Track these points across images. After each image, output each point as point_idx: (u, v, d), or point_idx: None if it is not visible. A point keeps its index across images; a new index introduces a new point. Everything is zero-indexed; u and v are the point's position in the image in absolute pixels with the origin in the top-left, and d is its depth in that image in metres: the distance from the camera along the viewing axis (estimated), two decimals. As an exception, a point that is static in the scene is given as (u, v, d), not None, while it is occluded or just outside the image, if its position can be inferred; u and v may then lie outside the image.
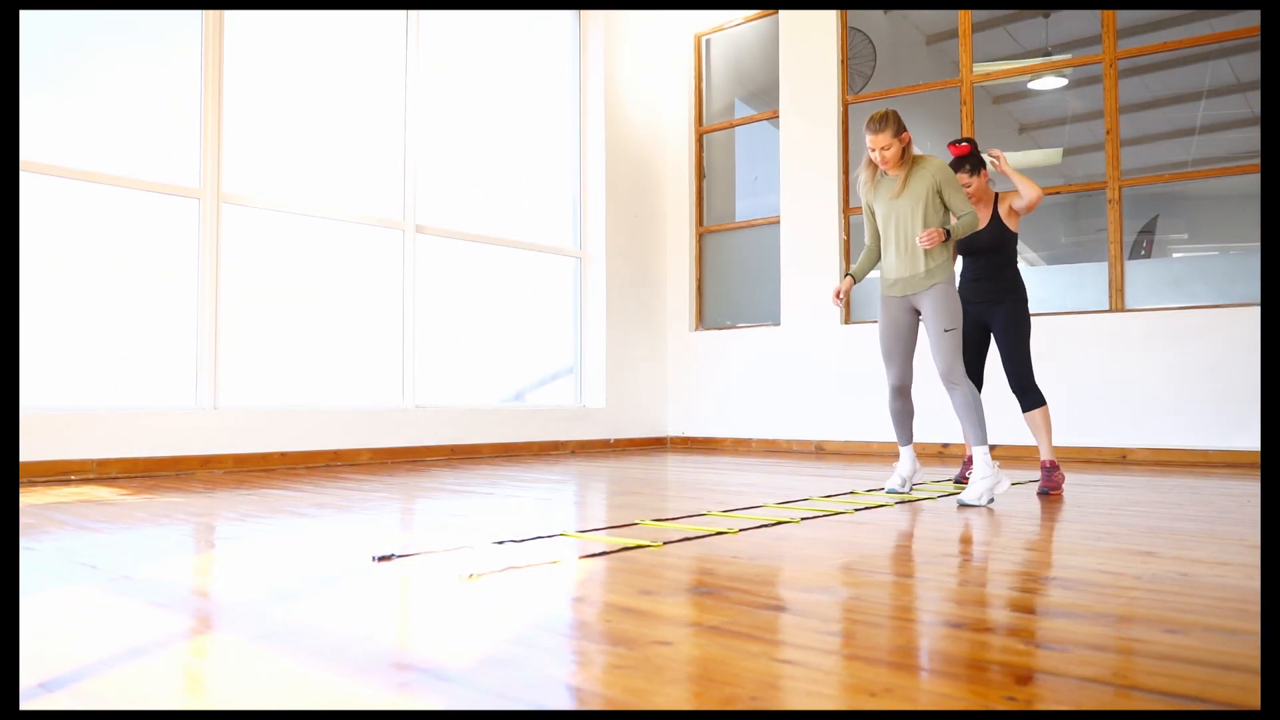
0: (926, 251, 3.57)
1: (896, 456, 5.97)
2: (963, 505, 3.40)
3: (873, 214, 3.75)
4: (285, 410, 5.36)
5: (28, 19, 4.58)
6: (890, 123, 3.54)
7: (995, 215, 4.06)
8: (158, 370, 5.03)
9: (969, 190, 4.07)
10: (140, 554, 2.39)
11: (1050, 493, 3.85)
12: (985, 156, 4.11)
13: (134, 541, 2.59)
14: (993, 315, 4.03)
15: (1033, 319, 6.11)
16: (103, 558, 2.32)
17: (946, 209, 3.61)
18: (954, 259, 3.77)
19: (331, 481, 4.45)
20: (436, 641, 1.54)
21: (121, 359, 4.93)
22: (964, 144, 4.08)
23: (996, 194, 4.12)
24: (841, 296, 3.83)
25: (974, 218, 3.61)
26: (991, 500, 3.43)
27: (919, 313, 3.68)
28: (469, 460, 5.97)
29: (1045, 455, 3.92)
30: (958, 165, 4.08)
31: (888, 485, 3.81)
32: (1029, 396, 3.94)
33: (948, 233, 3.54)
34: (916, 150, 3.71)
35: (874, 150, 3.58)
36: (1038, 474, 4.70)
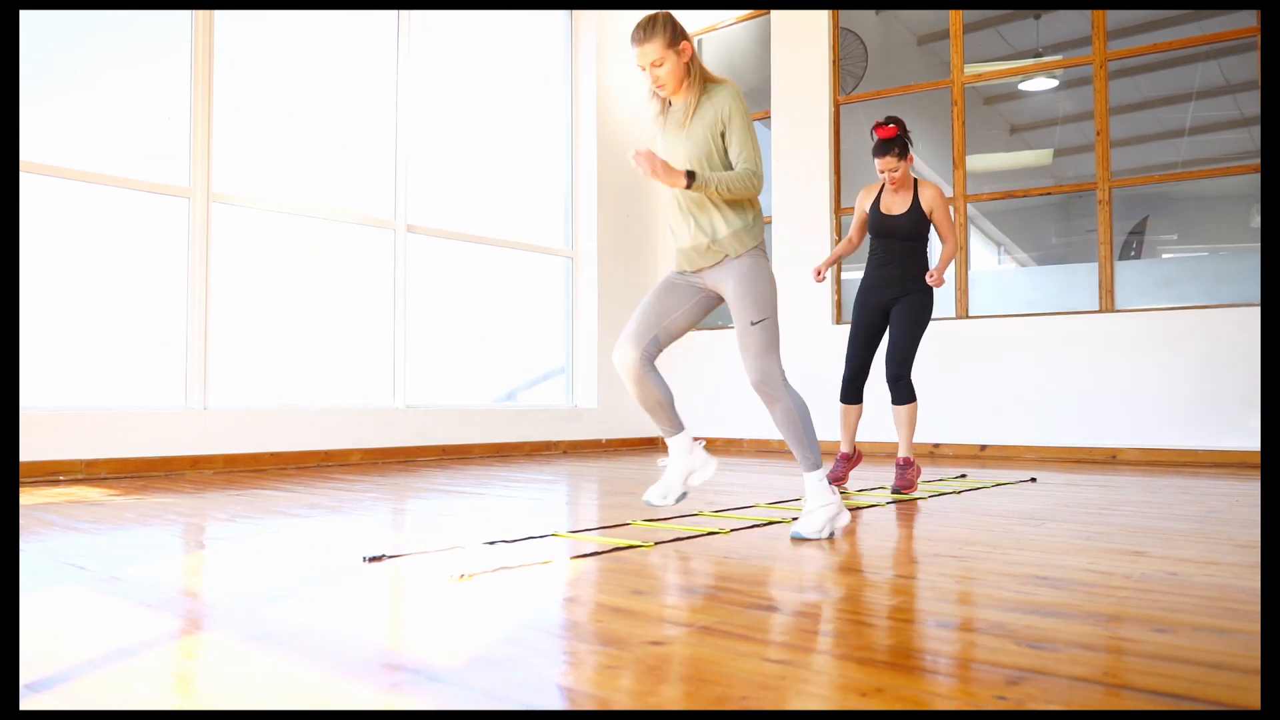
0: (717, 208, 2.60)
1: (890, 457, 5.97)
2: (797, 539, 2.58)
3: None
4: (276, 410, 5.34)
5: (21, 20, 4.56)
6: (659, 30, 2.51)
7: (915, 202, 3.83)
8: (147, 370, 5.00)
9: (895, 176, 3.77)
10: (129, 555, 2.38)
11: (904, 491, 3.76)
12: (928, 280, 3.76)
13: (123, 542, 2.58)
14: (895, 304, 3.86)
15: (1024, 318, 6.18)
16: (91, 558, 2.31)
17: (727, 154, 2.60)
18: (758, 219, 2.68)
19: (322, 482, 4.43)
20: (428, 642, 1.54)
21: (111, 358, 4.90)
22: (891, 125, 3.75)
23: (916, 180, 3.88)
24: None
25: (751, 178, 2.54)
26: (832, 534, 2.62)
27: (708, 294, 2.73)
28: (460, 460, 5.96)
29: (904, 452, 3.84)
30: (885, 149, 3.75)
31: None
32: (903, 389, 3.82)
33: (691, 175, 2.49)
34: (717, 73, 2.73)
35: (642, 68, 2.57)
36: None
